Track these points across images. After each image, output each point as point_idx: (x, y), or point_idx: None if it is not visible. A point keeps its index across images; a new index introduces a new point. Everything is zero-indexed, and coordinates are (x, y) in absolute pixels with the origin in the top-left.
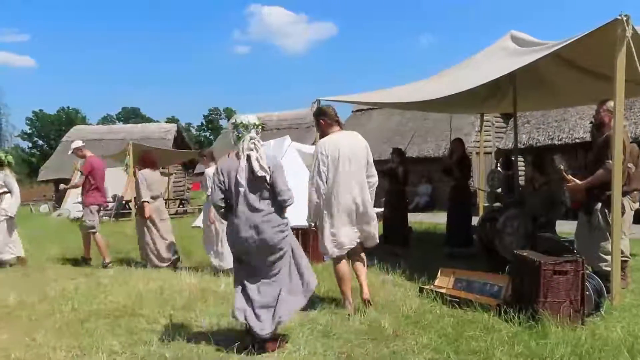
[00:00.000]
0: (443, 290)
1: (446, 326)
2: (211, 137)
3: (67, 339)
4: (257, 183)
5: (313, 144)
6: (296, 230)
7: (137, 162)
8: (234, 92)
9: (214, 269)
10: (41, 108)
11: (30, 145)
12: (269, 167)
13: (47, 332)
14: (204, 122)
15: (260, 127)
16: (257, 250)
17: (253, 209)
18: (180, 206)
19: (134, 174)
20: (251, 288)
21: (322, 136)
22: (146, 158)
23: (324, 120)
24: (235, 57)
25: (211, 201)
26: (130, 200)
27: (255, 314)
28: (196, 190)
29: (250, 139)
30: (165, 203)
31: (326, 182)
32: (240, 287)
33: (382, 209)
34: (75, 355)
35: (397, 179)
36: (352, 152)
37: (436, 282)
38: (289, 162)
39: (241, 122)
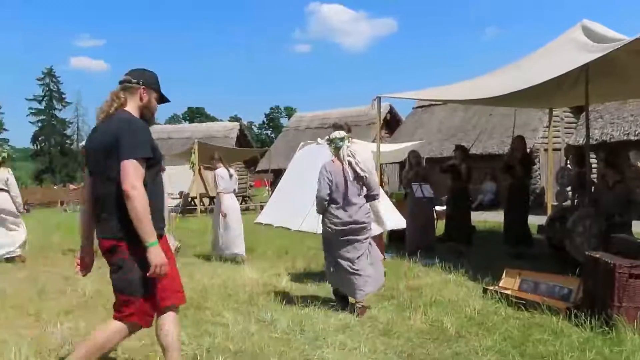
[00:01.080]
0: (508, 292)
1: (512, 329)
2: (272, 135)
3: None
4: (356, 182)
5: (373, 141)
6: None
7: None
8: (294, 91)
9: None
10: None
11: None
12: (364, 170)
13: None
14: (265, 121)
15: (349, 139)
16: (352, 231)
17: (351, 203)
18: (243, 203)
19: (199, 172)
20: (344, 261)
21: None
22: None
23: None
24: (295, 55)
25: (318, 195)
26: (195, 197)
27: (350, 281)
28: (258, 187)
29: (347, 148)
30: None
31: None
32: (334, 262)
33: (444, 207)
34: (145, 344)
35: (460, 176)
36: None
37: (501, 283)
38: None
39: (335, 137)
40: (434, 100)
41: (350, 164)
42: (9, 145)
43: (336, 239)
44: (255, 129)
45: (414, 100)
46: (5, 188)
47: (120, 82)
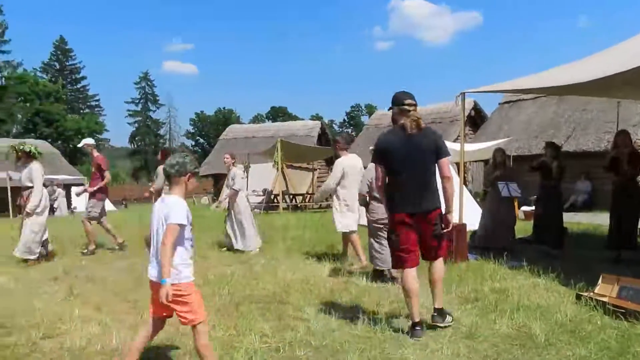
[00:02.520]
0: (605, 299)
1: (608, 339)
2: (353, 133)
3: (224, 319)
4: None
5: (456, 139)
6: None
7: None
8: (375, 88)
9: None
10: (202, 110)
11: (193, 143)
12: None
13: (208, 311)
14: (346, 119)
15: None
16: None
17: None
18: (325, 200)
19: (282, 169)
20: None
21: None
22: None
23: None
24: (376, 53)
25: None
26: (278, 194)
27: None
28: None
29: None
30: (310, 197)
31: None
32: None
33: (532, 207)
34: (231, 335)
35: (551, 174)
36: None
37: (597, 289)
38: None
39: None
40: (523, 90)
41: None
42: (109, 145)
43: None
44: (336, 127)
45: (500, 95)
46: (31, 185)
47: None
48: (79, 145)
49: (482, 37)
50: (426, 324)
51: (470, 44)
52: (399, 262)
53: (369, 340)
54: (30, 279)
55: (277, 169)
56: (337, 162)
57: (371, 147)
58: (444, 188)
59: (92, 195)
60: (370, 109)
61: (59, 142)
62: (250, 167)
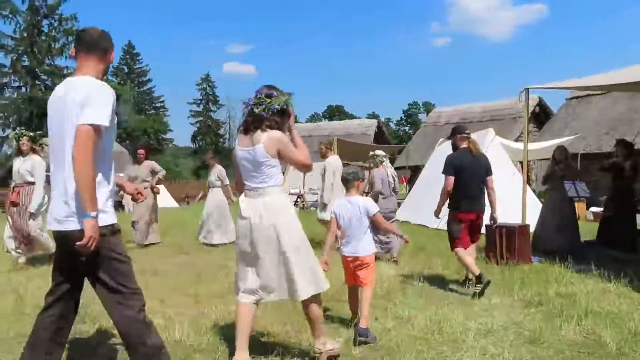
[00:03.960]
0: None
1: None
2: (410, 131)
3: (282, 315)
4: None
5: (519, 137)
6: (500, 229)
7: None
8: (433, 86)
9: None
10: None
11: None
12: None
13: (265, 307)
14: (403, 117)
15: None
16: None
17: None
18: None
19: None
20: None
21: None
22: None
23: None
24: (433, 49)
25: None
26: None
27: None
28: (401, 182)
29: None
30: (366, 196)
31: None
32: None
33: (601, 209)
34: (288, 331)
35: (622, 174)
36: None
37: None
38: (492, 156)
39: (379, 154)
40: (592, 87)
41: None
42: (173, 144)
43: None
44: (392, 125)
45: (567, 90)
46: (32, 180)
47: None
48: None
49: (547, 31)
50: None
51: (533, 38)
52: (457, 244)
53: (426, 341)
54: None
55: None
56: (328, 162)
57: (371, 153)
58: (489, 196)
59: None
60: (428, 107)
61: (127, 141)
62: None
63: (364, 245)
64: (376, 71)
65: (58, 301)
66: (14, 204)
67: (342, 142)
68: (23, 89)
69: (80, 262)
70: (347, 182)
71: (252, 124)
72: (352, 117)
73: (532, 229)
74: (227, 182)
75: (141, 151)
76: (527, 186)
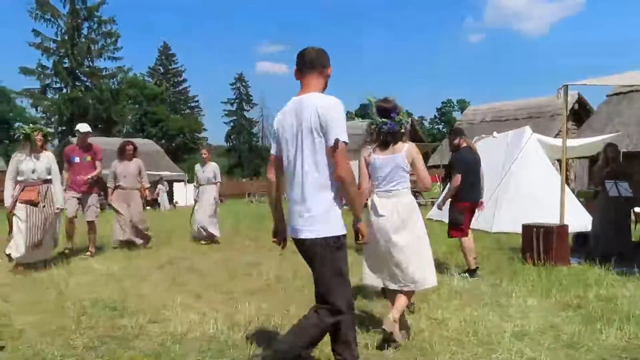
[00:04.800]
0: None
1: None
2: (444, 129)
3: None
4: None
5: (557, 134)
6: (537, 229)
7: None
8: (468, 83)
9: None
10: None
11: None
12: None
13: (298, 305)
14: (436, 115)
15: None
16: None
17: None
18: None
19: None
20: None
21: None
22: (118, 148)
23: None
24: (468, 46)
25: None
26: None
27: None
28: (435, 182)
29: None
30: None
31: None
32: None
33: None
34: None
35: None
36: None
37: None
38: (529, 155)
39: None
40: (636, 85)
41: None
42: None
43: None
44: (426, 123)
45: (608, 87)
46: (50, 177)
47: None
48: (82, 130)
49: (586, 26)
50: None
51: (571, 33)
52: (463, 233)
53: (460, 343)
54: (139, 267)
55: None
56: None
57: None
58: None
59: (92, 188)
60: (463, 105)
61: (163, 140)
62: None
63: None
64: (409, 69)
65: None
66: (34, 203)
67: (452, 129)
68: (64, 90)
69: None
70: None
71: (394, 139)
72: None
73: (571, 230)
74: (219, 179)
75: (130, 147)
76: (566, 185)
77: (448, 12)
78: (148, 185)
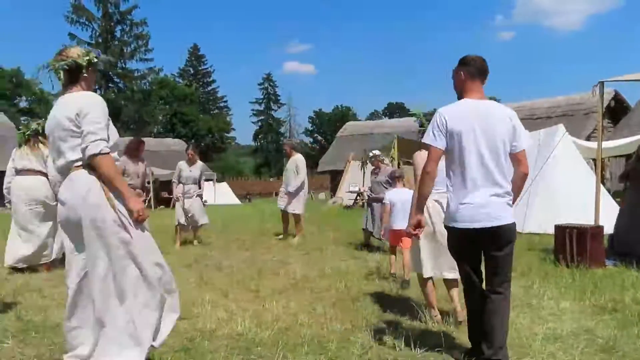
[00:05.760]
0: None
1: None
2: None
3: (341, 312)
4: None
5: (592, 132)
6: (571, 230)
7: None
8: (498, 81)
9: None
10: (320, 108)
11: (311, 140)
12: None
13: (325, 304)
14: None
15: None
16: None
17: None
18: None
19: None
20: None
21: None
22: (129, 146)
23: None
24: (498, 44)
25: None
26: None
27: None
28: None
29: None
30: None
31: None
32: None
33: None
34: (347, 329)
35: None
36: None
37: None
38: (562, 154)
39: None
40: None
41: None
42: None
43: None
44: None
45: None
46: (44, 170)
47: None
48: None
49: (623, 20)
50: None
51: (607, 28)
52: None
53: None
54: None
55: (394, 165)
56: (300, 159)
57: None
58: None
59: None
60: None
61: (192, 140)
62: (367, 163)
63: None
64: (438, 67)
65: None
66: None
67: (403, 141)
68: (98, 92)
69: None
70: (398, 177)
71: None
72: (413, 114)
73: (606, 231)
74: (203, 179)
75: (142, 146)
76: (601, 185)
77: (477, 10)
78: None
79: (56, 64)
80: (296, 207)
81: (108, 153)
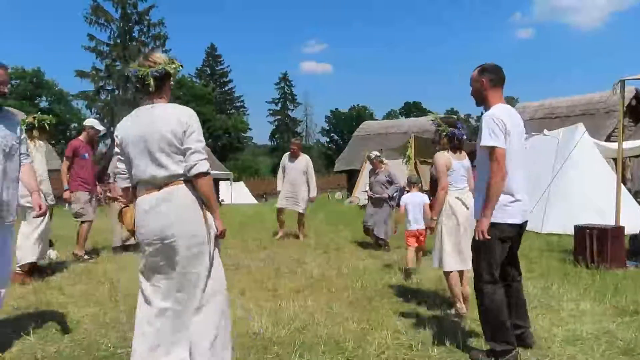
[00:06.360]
0: None
1: None
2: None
3: (357, 312)
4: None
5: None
6: (591, 231)
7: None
8: (516, 80)
9: None
10: (337, 107)
11: (327, 140)
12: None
13: (341, 304)
14: (483, 113)
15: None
16: None
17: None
18: None
19: (415, 166)
20: None
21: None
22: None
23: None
24: (516, 42)
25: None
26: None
27: None
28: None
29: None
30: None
31: None
32: None
33: None
34: (364, 328)
35: None
36: None
37: None
38: (582, 153)
39: (373, 154)
40: None
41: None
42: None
43: None
44: (473, 121)
45: None
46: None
47: None
48: (98, 127)
49: None
50: None
51: (628, 26)
52: None
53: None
54: None
55: (409, 165)
56: (309, 159)
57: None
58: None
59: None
60: (511, 102)
61: (209, 140)
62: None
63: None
64: (455, 66)
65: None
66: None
67: (420, 140)
68: (116, 92)
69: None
70: (414, 183)
71: (461, 145)
72: (429, 113)
73: (627, 232)
74: None
75: None
76: (622, 185)
77: (495, 7)
78: None
79: (146, 70)
80: (304, 206)
81: (209, 173)
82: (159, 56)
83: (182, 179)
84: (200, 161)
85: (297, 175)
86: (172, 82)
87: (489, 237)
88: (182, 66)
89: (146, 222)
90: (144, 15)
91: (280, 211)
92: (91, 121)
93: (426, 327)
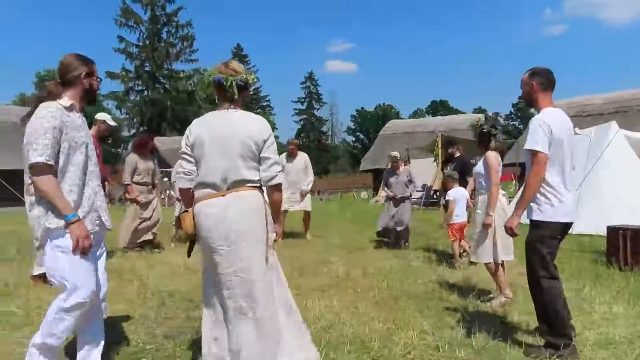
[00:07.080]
0: None
1: None
2: (520, 126)
3: (383, 312)
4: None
5: None
6: (624, 231)
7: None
8: None
9: None
10: (362, 106)
11: (353, 139)
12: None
13: (367, 303)
14: (512, 111)
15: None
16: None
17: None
18: None
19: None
20: None
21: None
22: (137, 142)
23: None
24: (547, 39)
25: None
26: (438, 190)
27: None
28: (504, 180)
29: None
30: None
31: None
32: None
33: None
34: (390, 328)
35: None
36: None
37: None
38: (616, 152)
39: (393, 154)
40: None
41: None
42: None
43: None
44: (501, 120)
45: None
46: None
47: None
48: (111, 123)
49: None
50: None
51: None
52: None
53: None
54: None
55: (438, 164)
56: (307, 157)
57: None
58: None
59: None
60: None
61: None
62: (410, 162)
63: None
64: (483, 64)
65: None
66: None
67: (447, 138)
68: (145, 92)
69: None
70: (454, 179)
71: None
72: (456, 112)
73: None
74: None
75: (151, 142)
76: None
77: (525, 4)
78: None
79: (231, 78)
80: (308, 204)
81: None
82: (237, 65)
83: (250, 184)
84: (280, 173)
85: (297, 176)
86: (250, 91)
87: (518, 234)
88: (257, 79)
89: (212, 225)
90: (172, 17)
91: (283, 214)
92: (103, 115)
93: (453, 328)
